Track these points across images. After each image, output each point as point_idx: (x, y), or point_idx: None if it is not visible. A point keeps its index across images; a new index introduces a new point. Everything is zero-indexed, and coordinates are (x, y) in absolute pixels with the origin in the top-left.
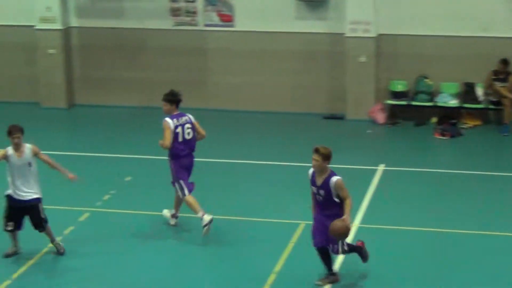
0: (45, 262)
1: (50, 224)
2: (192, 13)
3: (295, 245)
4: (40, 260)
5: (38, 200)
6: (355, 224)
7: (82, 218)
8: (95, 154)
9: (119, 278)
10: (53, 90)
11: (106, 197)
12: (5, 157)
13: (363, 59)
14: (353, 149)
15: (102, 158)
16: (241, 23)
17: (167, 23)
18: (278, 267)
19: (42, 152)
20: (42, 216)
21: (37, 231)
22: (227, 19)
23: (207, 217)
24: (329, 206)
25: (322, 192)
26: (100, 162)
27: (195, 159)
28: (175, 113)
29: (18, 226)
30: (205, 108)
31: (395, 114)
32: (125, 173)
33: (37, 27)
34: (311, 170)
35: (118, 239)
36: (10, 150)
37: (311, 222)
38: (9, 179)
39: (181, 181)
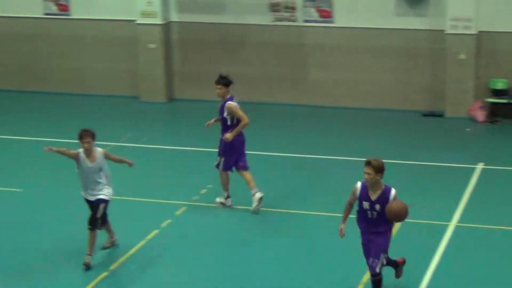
0: (141, 254)
1: (148, 217)
2: (291, 8)
3: (391, 243)
4: (136, 252)
5: (101, 200)
6: (453, 223)
7: (179, 212)
8: (193, 148)
9: (212, 271)
10: (153, 84)
11: (203, 191)
12: (76, 158)
13: (463, 56)
14: (452, 147)
15: (200, 152)
16: (340, 19)
17: (266, 19)
18: None
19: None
20: (97, 216)
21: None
22: (326, 15)
23: (229, 201)
24: (381, 222)
25: (378, 206)
26: (198, 156)
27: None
28: (228, 96)
29: (102, 222)
30: (303, 104)
31: (495, 112)
32: None
33: (138, 22)
34: (358, 184)
35: (214, 232)
36: (82, 154)
37: (407, 220)
38: (80, 180)
39: (223, 158)
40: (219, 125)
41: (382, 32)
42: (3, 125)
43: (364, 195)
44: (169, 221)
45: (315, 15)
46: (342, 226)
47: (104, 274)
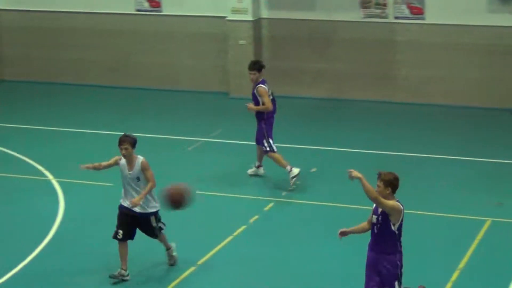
0: (228, 249)
1: (236, 213)
2: (382, 5)
3: (480, 242)
4: (224, 248)
5: (150, 214)
6: None
7: (267, 208)
8: (282, 145)
9: (300, 267)
10: (242, 80)
11: (292, 187)
12: (117, 164)
13: None
14: None
15: (288, 149)
16: (432, 16)
17: (357, 15)
18: (462, 264)
19: (151, 169)
20: (154, 225)
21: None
22: (417, 11)
23: (295, 170)
24: (384, 238)
25: (381, 219)
26: (286, 152)
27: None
28: (260, 79)
29: (129, 235)
30: (393, 101)
31: None
32: (310, 164)
33: (228, 18)
34: None
35: (300, 229)
36: (123, 161)
37: (498, 219)
38: (122, 187)
39: (270, 140)
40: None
41: (474, 29)
42: (96, 120)
43: (375, 208)
44: (257, 217)
45: (406, 11)
46: (344, 229)
47: (192, 268)
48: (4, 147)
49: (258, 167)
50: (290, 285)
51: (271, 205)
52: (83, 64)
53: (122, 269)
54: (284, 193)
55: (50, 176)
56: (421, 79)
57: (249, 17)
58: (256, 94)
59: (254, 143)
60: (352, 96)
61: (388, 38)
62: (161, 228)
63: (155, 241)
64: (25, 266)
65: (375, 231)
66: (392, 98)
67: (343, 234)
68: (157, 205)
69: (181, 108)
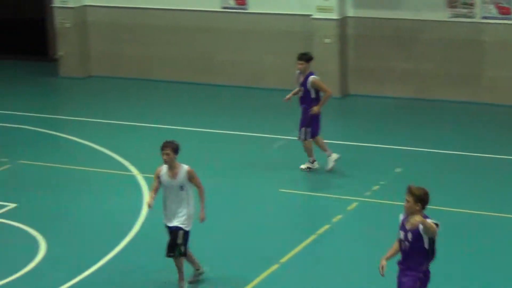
0: (311, 248)
1: (320, 212)
2: (469, 5)
3: None
4: (307, 246)
5: (179, 228)
6: None
7: (350, 207)
8: (367, 144)
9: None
10: (327, 79)
11: (376, 187)
12: (159, 177)
13: None
14: None
15: (373, 148)
16: None
17: (443, 15)
18: None
19: (197, 176)
20: (178, 241)
21: None
22: (505, 11)
23: (316, 165)
24: (413, 255)
25: (410, 235)
26: (371, 152)
27: None
28: (308, 71)
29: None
30: (477, 101)
31: None
32: (396, 164)
33: (313, 17)
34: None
35: (384, 230)
36: (164, 169)
37: None
38: (162, 200)
39: (309, 129)
40: (296, 100)
41: None
42: (180, 117)
43: (402, 224)
44: (340, 216)
45: (494, 11)
46: (384, 262)
47: (275, 266)
48: (91, 142)
49: (329, 155)
50: (372, 285)
51: (354, 204)
52: (168, 61)
53: (195, 270)
54: (367, 193)
55: (135, 171)
56: (508, 80)
57: (334, 16)
58: (311, 87)
59: (337, 141)
60: (437, 96)
61: (475, 38)
62: (180, 249)
63: (235, 238)
64: (107, 262)
65: (402, 247)
66: (478, 99)
67: (384, 268)
68: (189, 225)
69: (265, 106)
